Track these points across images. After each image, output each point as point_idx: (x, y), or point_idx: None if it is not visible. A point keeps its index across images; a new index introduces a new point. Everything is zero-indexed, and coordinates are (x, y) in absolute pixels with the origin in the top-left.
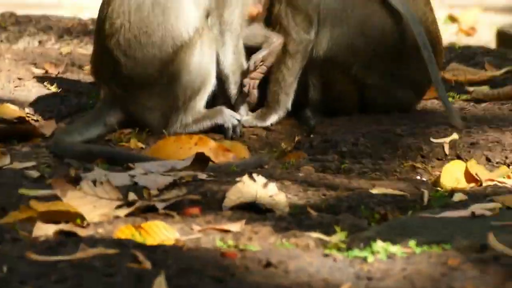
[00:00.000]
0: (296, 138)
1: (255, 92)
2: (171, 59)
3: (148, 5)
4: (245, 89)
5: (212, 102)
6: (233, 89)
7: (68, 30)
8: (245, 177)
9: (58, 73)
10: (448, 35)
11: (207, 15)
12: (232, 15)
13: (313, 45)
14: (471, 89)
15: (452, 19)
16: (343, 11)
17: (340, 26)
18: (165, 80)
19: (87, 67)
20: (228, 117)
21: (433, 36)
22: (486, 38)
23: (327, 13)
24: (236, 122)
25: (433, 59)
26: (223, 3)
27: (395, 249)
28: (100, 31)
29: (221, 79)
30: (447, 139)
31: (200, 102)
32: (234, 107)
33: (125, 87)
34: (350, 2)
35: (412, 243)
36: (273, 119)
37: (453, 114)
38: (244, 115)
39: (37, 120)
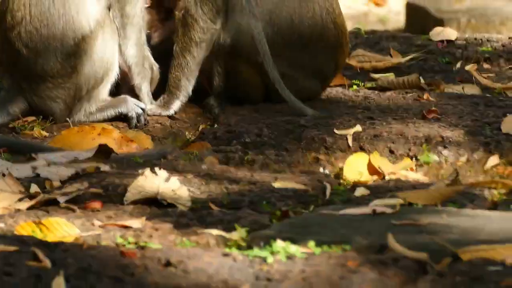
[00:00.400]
0: (200, 127)
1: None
2: (73, 51)
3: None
4: None
5: (116, 91)
6: (136, 79)
7: None
8: (147, 171)
9: None
10: (359, 4)
11: (109, 8)
12: (134, 8)
13: (221, 33)
14: (376, 76)
15: None
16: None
17: (248, 17)
18: (67, 71)
19: None
20: (132, 105)
21: (340, 28)
22: (396, 8)
23: (236, 1)
24: (140, 111)
25: (270, 61)
26: None
27: (295, 249)
28: (2, 22)
29: (125, 70)
30: (351, 131)
31: (104, 91)
32: (138, 97)
33: (27, 77)
34: None
35: (311, 243)
36: (176, 106)
37: (300, 106)
38: (148, 104)
39: None
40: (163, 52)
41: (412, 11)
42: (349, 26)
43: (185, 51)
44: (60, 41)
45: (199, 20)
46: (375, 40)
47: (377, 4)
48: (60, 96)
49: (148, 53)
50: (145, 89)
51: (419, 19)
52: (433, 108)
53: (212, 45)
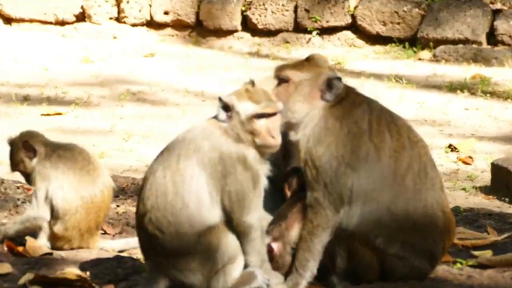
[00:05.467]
0: None
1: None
2: (204, 231)
3: (171, 194)
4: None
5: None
6: (261, 280)
7: (123, 189)
8: None
9: (115, 234)
10: (449, 163)
11: (227, 220)
12: (251, 218)
13: (344, 219)
14: (476, 253)
15: (452, 148)
16: (374, 190)
17: (370, 204)
18: (203, 247)
19: None
20: (262, 280)
21: (447, 217)
22: (481, 166)
23: (360, 192)
24: (269, 283)
25: None
26: (239, 208)
27: None
28: (138, 211)
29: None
30: None
31: (238, 268)
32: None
33: (165, 255)
34: (380, 183)
35: None
36: (302, 286)
37: None
38: (274, 282)
39: (97, 283)
40: None
41: (496, 170)
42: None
43: (313, 235)
44: (189, 224)
45: (327, 209)
46: (473, 218)
47: (464, 163)
48: (197, 269)
49: (266, 255)
50: (264, 274)
51: (502, 177)
52: None
53: (335, 229)
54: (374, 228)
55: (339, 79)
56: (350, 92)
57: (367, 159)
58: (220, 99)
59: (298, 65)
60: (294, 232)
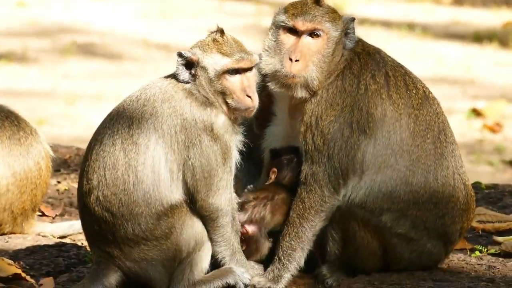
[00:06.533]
0: None
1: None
2: (165, 211)
3: (123, 166)
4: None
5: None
6: (233, 266)
7: (65, 162)
8: None
9: (55, 216)
10: (473, 131)
11: (191, 200)
12: (219, 200)
13: (348, 193)
14: (499, 239)
15: (476, 113)
16: (391, 156)
17: (385, 172)
18: (164, 231)
19: None
20: (239, 276)
21: (469, 192)
22: None
23: (374, 160)
24: (247, 281)
25: None
26: (205, 187)
27: None
28: (79, 190)
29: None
30: None
31: (206, 258)
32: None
33: (116, 243)
34: (398, 147)
35: None
36: (286, 280)
37: None
38: (256, 277)
39: (34, 275)
40: None
41: None
42: (463, 154)
43: (303, 219)
44: (145, 203)
45: (324, 188)
46: (498, 196)
47: (491, 131)
48: (157, 258)
49: (238, 244)
50: (243, 270)
51: None
52: None
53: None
54: (385, 202)
55: (353, 19)
56: (360, 39)
57: (384, 120)
58: (180, 55)
59: (324, 13)
60: (276, 216)
